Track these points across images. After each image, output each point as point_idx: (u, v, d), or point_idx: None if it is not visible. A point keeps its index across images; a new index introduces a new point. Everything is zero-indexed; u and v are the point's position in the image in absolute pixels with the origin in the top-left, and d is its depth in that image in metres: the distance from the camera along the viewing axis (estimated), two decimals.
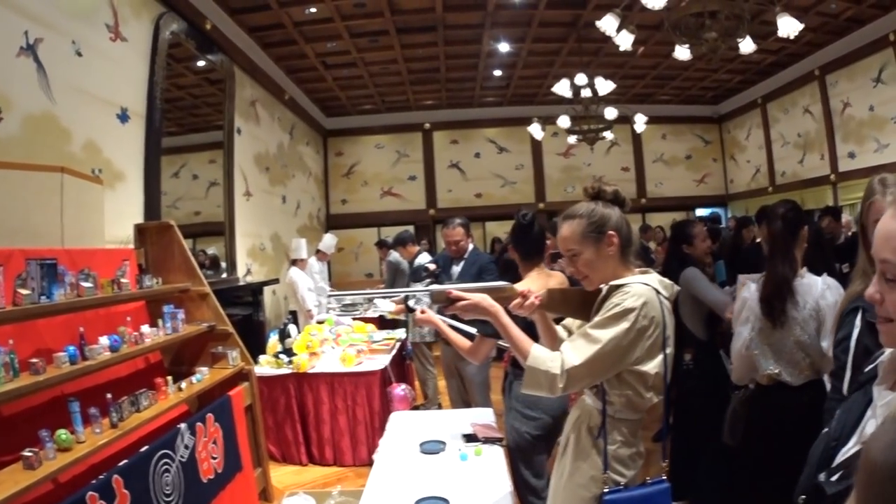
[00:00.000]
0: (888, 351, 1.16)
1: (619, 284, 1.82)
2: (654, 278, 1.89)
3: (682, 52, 6.03)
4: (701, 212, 13.12)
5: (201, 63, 7.01)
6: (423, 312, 2.92)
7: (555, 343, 2.00)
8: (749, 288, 2.81)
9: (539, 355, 1.79)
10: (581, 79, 8.35)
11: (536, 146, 12.84)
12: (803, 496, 1.28)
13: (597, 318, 1.80)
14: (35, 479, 2.25)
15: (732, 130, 13.39)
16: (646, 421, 1.88)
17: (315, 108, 12.07)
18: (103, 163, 4.85)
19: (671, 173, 13.58)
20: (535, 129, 9.92)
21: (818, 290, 2.58)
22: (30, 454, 2.34)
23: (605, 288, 1.86)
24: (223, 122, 7.57)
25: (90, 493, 2.40)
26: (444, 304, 1.97)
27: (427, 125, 13.10)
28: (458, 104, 12.67)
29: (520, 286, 2.03)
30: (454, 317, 2.60)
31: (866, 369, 1.31)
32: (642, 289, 1.81)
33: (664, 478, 1.89)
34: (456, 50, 9.42)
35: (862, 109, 9.40)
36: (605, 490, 1.81)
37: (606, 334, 1.74)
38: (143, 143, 5.51)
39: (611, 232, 1.88)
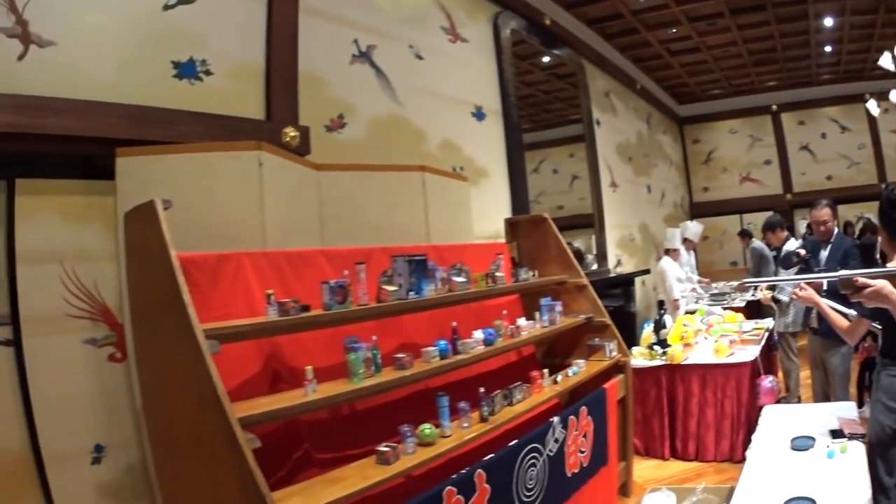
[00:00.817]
0: None
1: None
2: None
3: None
4: None
5: (546, 59, 7.07)
6: (802, 289, 2.92)
7: None
8: None
9: None
10: None
11: (873, 123, 11.90)
12: None
13: None
14: (388, 475, 2.19)
15: None
16: None
17: (666, 95, 12.04)
18: (464, 160, 5.03)
19: None
20: (872, 106, 9.68)
21: None
22: (386, 449, 2.29)
23: None
24: (580, 116, 7.61)
25: (448, 487, 2.31)
26: (851, 290, 2.06)
27: (774, 107, 12.67)
28: (798, 83, 12.15)
29: None
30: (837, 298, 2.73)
31: None
32: None
33: None
34: (787, 28, 9.14)
35: None
36: None
37: None
38: (503, 140, 5.66)
39: None
